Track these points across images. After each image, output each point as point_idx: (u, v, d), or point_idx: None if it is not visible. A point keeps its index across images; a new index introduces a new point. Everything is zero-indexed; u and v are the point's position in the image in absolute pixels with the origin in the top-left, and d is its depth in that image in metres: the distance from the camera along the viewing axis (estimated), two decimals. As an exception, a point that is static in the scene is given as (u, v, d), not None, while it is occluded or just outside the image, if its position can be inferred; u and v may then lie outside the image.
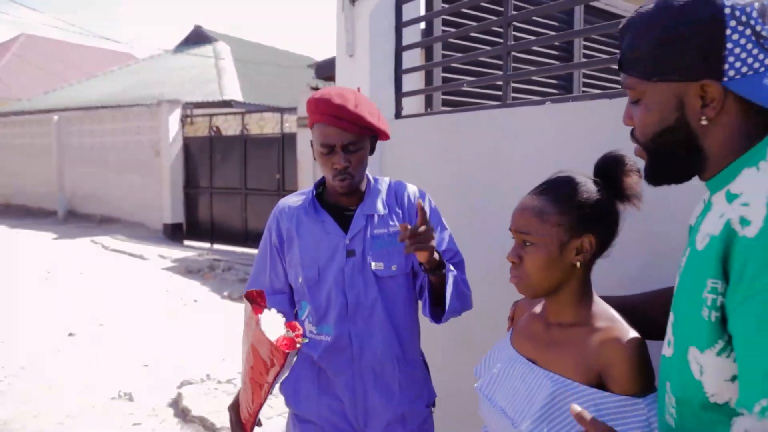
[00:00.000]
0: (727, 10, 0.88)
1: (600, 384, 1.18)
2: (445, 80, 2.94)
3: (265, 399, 1.58)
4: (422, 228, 1.53)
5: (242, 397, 1.68)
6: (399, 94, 2.76)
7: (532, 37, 3.16)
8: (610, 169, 1.26)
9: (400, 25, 2.74)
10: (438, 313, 1.74)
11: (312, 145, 1.80)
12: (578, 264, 1.24)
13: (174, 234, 12.38)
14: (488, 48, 2.89)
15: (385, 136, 1.79)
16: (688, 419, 0.96)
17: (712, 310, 0.87)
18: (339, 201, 1.82)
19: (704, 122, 0.93)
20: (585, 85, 3.75)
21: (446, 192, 2.36)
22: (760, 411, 0.78)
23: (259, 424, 1.68)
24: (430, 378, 1.92)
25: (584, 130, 1.91)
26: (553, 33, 3.44)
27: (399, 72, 2.76)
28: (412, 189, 1.86)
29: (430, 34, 2.85)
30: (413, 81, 2.87)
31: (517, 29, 3.18)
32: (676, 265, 1.16)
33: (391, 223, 1.79)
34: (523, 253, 1.27)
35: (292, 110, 10.41)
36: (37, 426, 3.86)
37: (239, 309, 1.54)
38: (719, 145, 0.94)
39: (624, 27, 1.00)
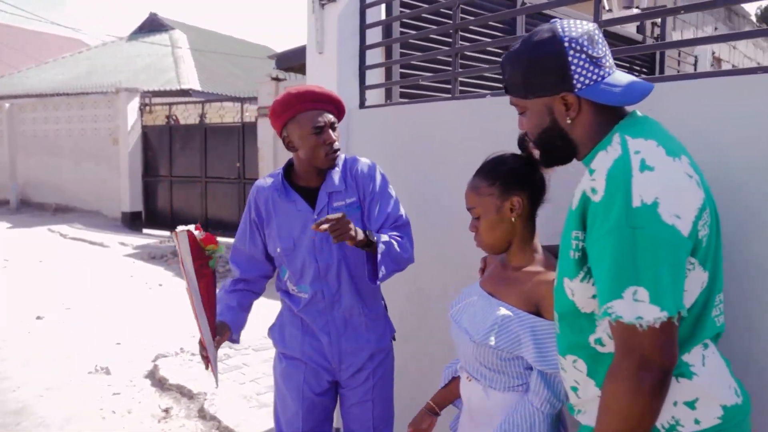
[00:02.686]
0: (566, 43, 1.28)
1: (537, 312, 1.59)
2: (402, 75, 3.31)
3: (202, 325, 1.99)
4: (327, 225, 1.87)
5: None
6: (363, 87, 3.12)
7: (485, 39, 3.57)
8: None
9: (364, 26, 3.09)
10: (374, 276, 2.07)
11: (285, 138, 2.12)
12: (514, 219, 1.63)
13: (133, 222, 12.43)
14: (443, 48, 3.29)
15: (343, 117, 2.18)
16: (565, 326, 1.37)
17: (576, 251, 1.28)
18: (305, 182, 2.18)
19: (569, 121, 1.33)
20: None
21: (405, 171, 2.74)
22: (603, 312, 1.18)
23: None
24: (389, 317, 2.32)
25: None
26: (500, 35, 3.86)
27: (363, 68, 3.12)
28: (363, 162, 2.22)
29: (389, 35, 3.21)
30: (375, 76, 3.23)
31: (467, 32, 3.57)
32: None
33: (346, 195, 2.15)
34: (476, 224, 1.68)
35: (253, 100, 10.61)
36: (17, 399, 4.08)
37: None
38: (583, 135, 1.34)
39: (503, 61, 1.40)
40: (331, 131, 2.09)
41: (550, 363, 1.53)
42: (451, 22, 2.65)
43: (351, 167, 2.20)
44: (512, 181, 1.63)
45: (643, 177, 1.16)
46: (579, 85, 1.29)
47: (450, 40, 3.45)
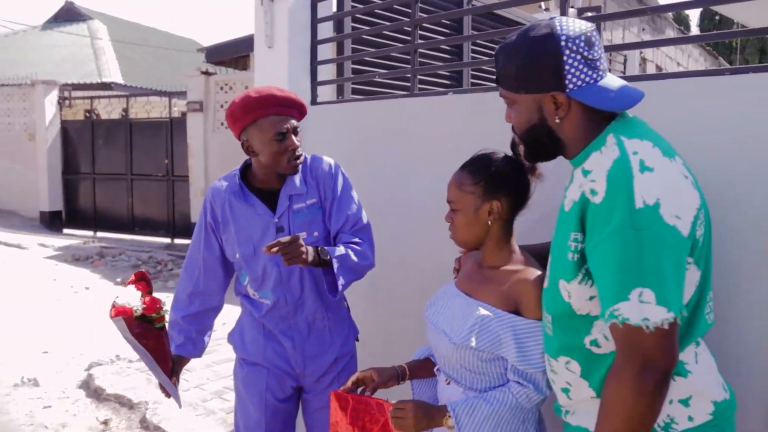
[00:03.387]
0: (563, 43, 1.27)
1: (516, 311, 1.57)
2: (354, 71, 3.26)
3: (156, 374, 2.03)
4: (277, 248, 1.81)
5: None
6: (314, 83, 3.05)
7: (440, 37, 3.56)
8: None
9: (315, 20, 3.02)
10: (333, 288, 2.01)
11: (244, 142, 2.01)
12: (490, 222, 1.62)
13: (52, 222, 11.77)
14: (398, 45, 3.25)
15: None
16: (558, 328, 1.37)
17: (575, 254, 1.26)
18: (265, 185, 2.09)
19: (558, 120, 1.32)
20: (473, 77, 4.22)
21: (361, 169, 2.68)
22: (609, 314, 1.17)
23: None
24: (352, 319, 2.27)
25: (480, 117, 2.31)
26: (449, 32, 3.86)
27: (314, 63, 3.05)
28: (326, 161, 2.15)
29: (341, 31, 3.15)
30: (325, 72, 3.16)
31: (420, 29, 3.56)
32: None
33: (307, 196, 2.08)
34: (453, 216, 1.65)
35: (181, 94, 10.25)
36: (-64, 416, 3.77)
37: (135, 294, 1.74)
38: (571, 135, 1.33)
39: (497, 52, 1.38)
40: (293, 137, 2.01)
41: (532, 362, 1.51)
42: (407, 19, 2.62)
43: (313, 167, 2.13)
44: (497, 184, 1.60)
45: (643, 178, 1.16)
46: (571, 86, 1.28)
47: (404, 37, 3.43)
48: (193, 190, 10.02)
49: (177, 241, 10.36)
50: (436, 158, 2.48)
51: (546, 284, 1.40)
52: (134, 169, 10.96)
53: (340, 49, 3.22)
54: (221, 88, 9.73)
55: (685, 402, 1.24)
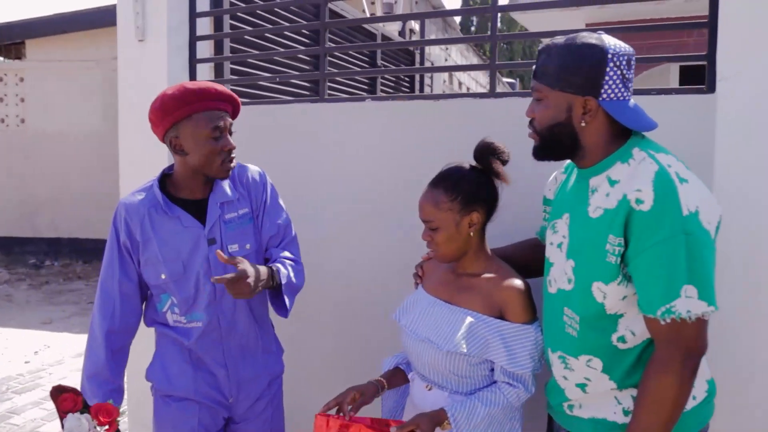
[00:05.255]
0: (609, 55, 1.36)
1: (501, 316, 1.63)
2: (233, 72, 3.04)
3: None
4: (229, 281, 1.66)
5: None
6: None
7: (296, 45, 3.48)
8: (483, 154, 1.66)
9: (194, 15, 2.76)
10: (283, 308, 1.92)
11: (173, 139, 1.79)
12: (472, 234, 1.66)
13: None
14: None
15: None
16: (587, 328, 1.44)
17: (617, 257, 1.35)
18: (189, 194, 1.89)
19: (583, 124, 1.40)
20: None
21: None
22: (664, 311, 1.28)
23: None
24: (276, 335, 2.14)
25: (399, 124, 2.32)
26: (306, 41, 3.78)
27: (193, 61, 2.79)
28: (253, 169, 2.01)
29: (220, 29, 2.92)
30: (202, 72, 2.90)
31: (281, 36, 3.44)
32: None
33: (238, 206, 1.93)
34: (432, 234, 1.66)
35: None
36: None
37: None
38: (592, 142, 1.42)
39: (541, 50, 1.44)
40: (229, 136, 1.84)
41: (520, 364, 1.59)
42: (282, 23, 2.52)
43: (240, 174, 1.97)
44: (472, 197, 1.64)
45: (684, 188, 1.28)
46: (605, 95, 1.36)
47: (284, 41, 3.29)
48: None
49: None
50: (343, 165, 2.43)
51: (570, 287, 1.46)
52: None
53: (218, 49, 2.98)
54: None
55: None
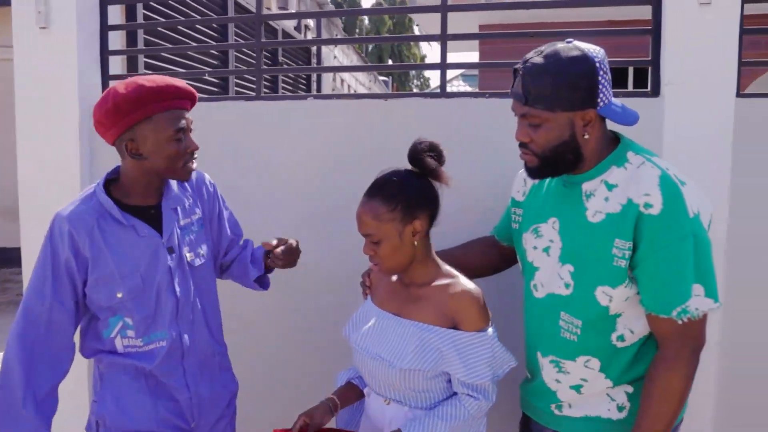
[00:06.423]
0: (597, 64, 1.36)
1: (455, 326, 1.54)
2: (146, 66, 2.79)
3: None
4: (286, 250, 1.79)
5: None
6: (106, 77, 2.52)
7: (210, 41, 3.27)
8: (418, 156, 1.53)
9: (104, 1, 2.49)
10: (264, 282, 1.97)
11: (129, 142, 1.61)
12: (417, 242, 1.56)
13: None
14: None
15: None
16: (589, 330, 1.44)
17: (626, 261, 1.35)
18: (140, 200, 1.71)
19: (586, 137, 1.39)
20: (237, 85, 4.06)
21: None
22: (681, 311, 1.31)
23: None
24: None
25: (336, 124, 2.25)
26: (214, 34, 3.58)
27: (105, 53, 2.52)
28: (200, 172, 1.89)
29: (132, 18, 2.67)
30: (115, 65, 2.63)
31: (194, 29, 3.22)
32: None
33: (191, 211, 1.80)
34: (375, 247, 1.55)
35: None
36: None
37: None
38: (592, 150, 1.42)
39: (525, 73, 1.37)
40: (191, 136, 1.68)
41: (477, 374, 1.50)
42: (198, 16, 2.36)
43: (197, 180, 1.86)
44: (413, 203, 1.53)
45: (685, 190, 1.32)
46: (601, 103, 1.37)
47: (197, 35, 3.08)
48: None
49: None
50: (276, 166, 2.31)
51: (568, 291, 1.45)
52: None
53: (131, 41, 2.71)
54: None
55: None
